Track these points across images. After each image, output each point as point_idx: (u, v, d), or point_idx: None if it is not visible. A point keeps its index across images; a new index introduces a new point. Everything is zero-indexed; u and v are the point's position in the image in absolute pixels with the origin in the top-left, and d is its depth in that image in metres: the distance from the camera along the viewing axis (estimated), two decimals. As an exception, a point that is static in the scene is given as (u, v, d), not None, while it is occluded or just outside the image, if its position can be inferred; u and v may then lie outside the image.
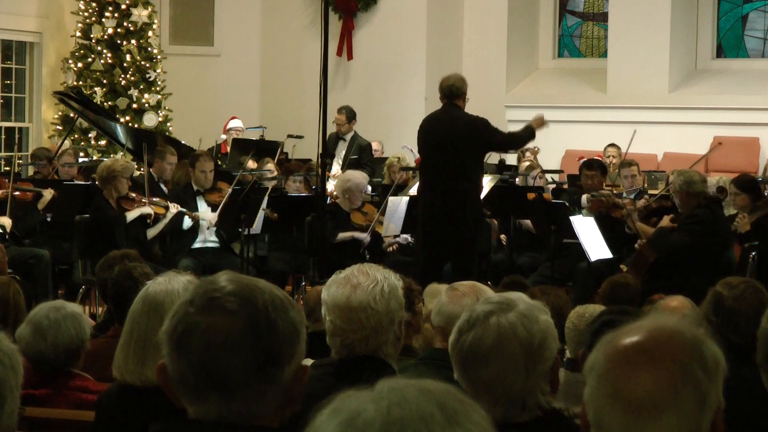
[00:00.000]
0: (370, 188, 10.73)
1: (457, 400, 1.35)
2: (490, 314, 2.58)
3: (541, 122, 8.86)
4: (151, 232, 9.44)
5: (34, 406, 3.98)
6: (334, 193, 10.17)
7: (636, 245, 8.72)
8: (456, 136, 8.38)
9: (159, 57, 14.02)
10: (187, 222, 9.61)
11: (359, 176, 9.98)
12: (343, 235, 9.69)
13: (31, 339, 4.03)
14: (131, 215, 9.20)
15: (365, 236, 9.70)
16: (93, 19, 13.74)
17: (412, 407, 1.31)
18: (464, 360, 2.56)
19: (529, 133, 8.81)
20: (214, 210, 9.66)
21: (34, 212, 9.72)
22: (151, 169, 10.31)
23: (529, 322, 2.57)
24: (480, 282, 4.16)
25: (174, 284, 3.06)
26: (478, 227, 8.64)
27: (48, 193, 9.63)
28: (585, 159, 10.81)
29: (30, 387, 4.04)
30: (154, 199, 9.50)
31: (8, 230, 9.09)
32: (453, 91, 8.53)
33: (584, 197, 9.87)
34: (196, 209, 9.70)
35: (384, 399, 1.32)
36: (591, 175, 9.95)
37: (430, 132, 8.60)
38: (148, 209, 9.29)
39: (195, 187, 9.79)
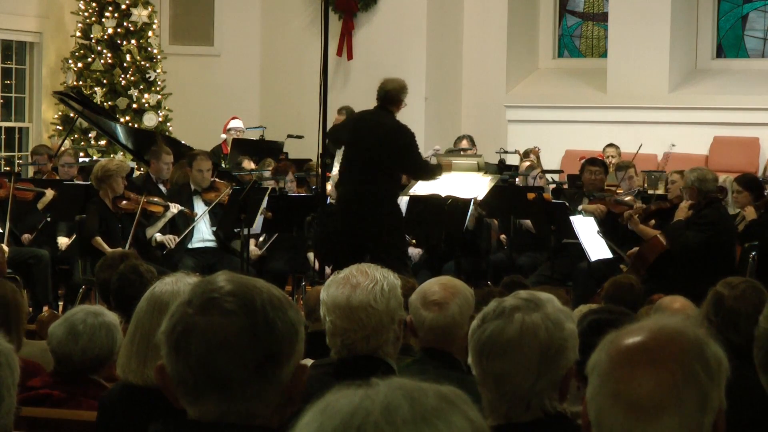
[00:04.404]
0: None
1: (441, 398, 1.33)
2: (517, 309, 2.57)
3: (450, 167, 8.85)
4: (150, 231, 9.44)
5: (49, 406, 3.97)
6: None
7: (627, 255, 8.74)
8: (380, 140, 8.39)
9: (159, 57, 14.01)
10: (201, 207, 9.58)
11: None
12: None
13: (63, 339, 4.01)
14: (98, 244, 9.00)
15: None
16: (93, 19, 13.74)
17: (380, 398, 1.31)
18: (481, 348, 2.56)
19: (439, 170, 8.78)
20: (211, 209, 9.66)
21: (35, 212, 9.72)
22: (148, 169, 10.31)
23: (553, 327, 2.56)
24: (480, 282, 4.16)
25: (180, 285, 3.06)
26: (394, 230, 8.53)
27: (49, 193, 9.63)
28: (586, 159, 10.80)
29: (47, 387, 4.04)
30: (153, 199, 9.49)
31: (6, 255, 8.96)
32: (390, 98, 8.54)
33: (583, 203, 9.83)
34: (192, 209, 9.69)
35: (361, 392, 1.32)
36: (595, 170, 9.93)
37: (357, 130, 8.61)
38: (130, 250, 9.05)
39: (192, 187, 9.78)
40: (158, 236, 9.52)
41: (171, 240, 9.49)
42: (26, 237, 9.68)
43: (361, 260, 8.22)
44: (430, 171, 8.75)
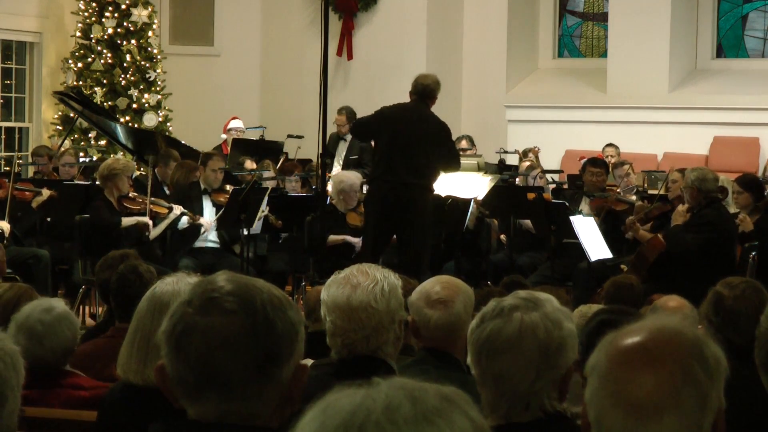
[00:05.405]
0: (370, 188, 10.70)
1: (442, 398, 1.33)
2: (516, 308, 2.57)
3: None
4: (154, 233, 9.46)
5: (27, 406, 3.96)
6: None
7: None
8: (423, 133, 8.51)
9: (159, 57, 14.02)
10: (183, 222, 9.58)
11: (352, 176, 9.92)
12: (334, 238, 9.55)
13: (27, 345, 3.92)
14: (127, 221, 9.15)
15: (357, 241, 9.56)
16: (93, 19, 13.74)
17: (382, 398, 1.31)
18: (480, 347, 2.56)
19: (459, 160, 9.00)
20: (219, 210, 9.67)
21: (30, 211, 9.73)
22: (154, 170, 10.32)
23: (551, 326, 2.56)
24: (480, 282, 4.16)
25: (181, 285, 3.06)
26: (427, 222, 8.57)
27: (45, 193, 9.64)
28: (586, 158, 10.80)
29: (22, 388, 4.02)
30: (158, 200, 9.52)
31: (6, 235, 9.06)
32: (427, 92, 8.72)
33: (583, 203, 9.82)
34: (201, 208, 9.70)
35: (363, 391, 1.33)
36: (597, 172, 9.91)
37: (397, 122, 8.63)
38: (145, 219, 9.23)
39: (203, 186, 9.79)
40: (188, 219, 9.57)
41: (208, 224, 9.55)
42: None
43: (383, 249, 8.35)
44: (458, 163, 8.90)
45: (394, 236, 8.75)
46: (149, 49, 13.89)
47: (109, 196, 9.23)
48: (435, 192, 8.71)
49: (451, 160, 8.77)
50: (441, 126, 8.67)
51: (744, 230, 8.62)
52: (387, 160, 8.59)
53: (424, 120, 8.58)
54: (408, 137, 8.49)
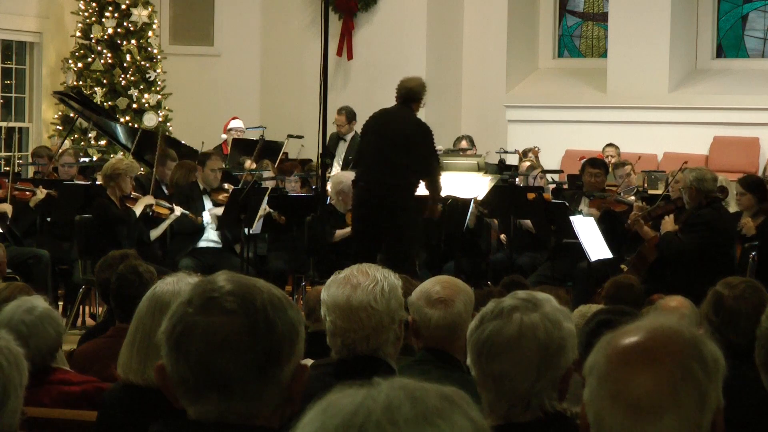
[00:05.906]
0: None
1: (443, 398, 1.33)
2: (515, 309, 2.57)
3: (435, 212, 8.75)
4: (154, 233, 9.47)
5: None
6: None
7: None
8: (403, 135, 8.42)
9: (159, 57, 14.02)
10: (206, 217, 9.61)
11: (351, 177, 9.92)
12: (341, 233, 9.61)
13: None
14: (138, 210, 9.22)
15: None
16: (93, 19, 13.74)
17: (383, 398, 1.31)
18: (480, 349, 2.56)
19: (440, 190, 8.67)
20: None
21: (29, 211, 9.74)
22: (153, 170, 10.33)
23: (551, 326, 2.56)
24: (480, 282, 4.17)
25: (181, 285, 3.06)
26: (412, 223, 8.51)
27: (41, 192, 9.64)
28: (586, 159, 10.80)
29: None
30: (160, 201, 9.55)
31: (9, 216, 9.07)
32: (410, 95, 8.57)
33: (583, 203, 9.82)
34: (203, 208, 9.71)
35: (363, 391, 1.33)
36: (596, 173, 9.88)
37: (379, 126, 8.60)
38: (150, 199, 9.31)
39: (202, 186, 9.81)
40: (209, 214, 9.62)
41: (216, 210, 9.60)
42: None
43: (377, 252, 8.31)
44: (435, 164, 8.66)
45: None
46: (149, 49, 13.89)
47: (111, 195, 9.24)
48: (413, 195, 8.64)
49: (428, 161, 8.54)
50: (421, 128, 8.54)
51: (746, 234, 8.61)
52: (368, 163, 8.57)
53: (404, 122, 8.48)
54: (387, 140, 8.43)
